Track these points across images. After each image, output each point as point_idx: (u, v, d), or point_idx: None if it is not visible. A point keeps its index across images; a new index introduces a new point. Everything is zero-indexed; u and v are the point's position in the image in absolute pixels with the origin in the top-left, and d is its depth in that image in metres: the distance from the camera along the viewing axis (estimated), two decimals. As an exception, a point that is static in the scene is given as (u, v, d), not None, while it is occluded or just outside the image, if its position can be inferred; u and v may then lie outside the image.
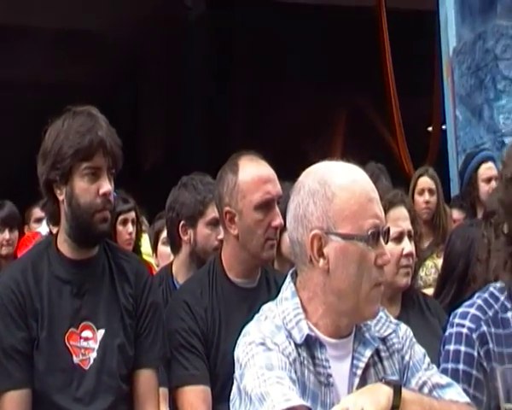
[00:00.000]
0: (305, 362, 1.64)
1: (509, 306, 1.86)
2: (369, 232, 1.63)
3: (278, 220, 2.37)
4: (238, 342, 1.69)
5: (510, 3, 5.76)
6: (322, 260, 1.64)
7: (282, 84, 10.84)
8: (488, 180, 4.53)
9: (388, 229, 1.69)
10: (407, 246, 2.55)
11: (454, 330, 1.85)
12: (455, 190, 5.73)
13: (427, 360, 1.80)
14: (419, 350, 1.79)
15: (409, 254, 2.55)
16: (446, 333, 1.88)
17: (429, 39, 7.07)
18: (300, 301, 1.69)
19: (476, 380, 1.80)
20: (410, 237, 2.58)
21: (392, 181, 4.58)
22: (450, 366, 1.84)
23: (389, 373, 1.70)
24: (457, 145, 6.13)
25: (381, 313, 1.76)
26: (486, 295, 1.89)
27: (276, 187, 2.42)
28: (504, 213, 1.87)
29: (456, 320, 1.87)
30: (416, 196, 4.81)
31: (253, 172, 2.41)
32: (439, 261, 4.03)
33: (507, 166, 1.87)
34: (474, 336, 1.82)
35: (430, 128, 9.76)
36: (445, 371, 1.83)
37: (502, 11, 5.74)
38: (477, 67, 5.88)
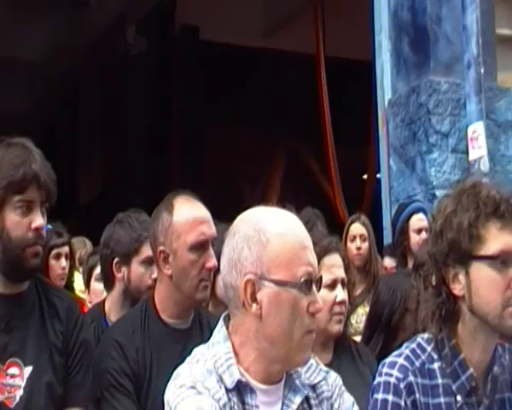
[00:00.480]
0: (236, 407, 1.64)
1: (435, 357, 1.90)
2: (302, 280, 1.64)
3: (212, 262, 2.37)
4: (169, 384, 1.68)
5: (444, 60, 5.95)
6: (255, 306, 1.65)
7: (219, 126, 10.91)
8: (419, 231, 4.63)
9: (321, 277, 1.72)
10: (340, 294, 2.57)
11: (382, 379, 1.88)
12: (387, 238, 5.81)
13: (356, 408, 1.82)
14: (348, 399, 1.81)
15: (342, 302, 2.57)
16: (375, 382, 1.90)
17: (366, 89, 7.22)
18: (232, 345, 1.69)
19: None
20: (343, 284, 2.60)
21: (328, 228, 4.64)
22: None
23: None
24: (391, 195, 6.24)
25: (311, 361, 1.78)
26: (414, 345, 1.93)
27: (210, 228, 2.42)
28: (433, 266, 1.92)
29: (385, 370, 1.89)
30: (349, 243, 4.88)
31: (188, 212, 2.41)
32: (370, 309, 4.08)
33: (436, 220, 1.92)
34: (402, 385, 1.84)
35: (365, 176, 9.94)
36: None
37: (435, 67, 5.91)
38: (411, 120, 6.03)
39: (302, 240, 1.68)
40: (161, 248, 2.41)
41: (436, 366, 1.89)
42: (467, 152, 5.78)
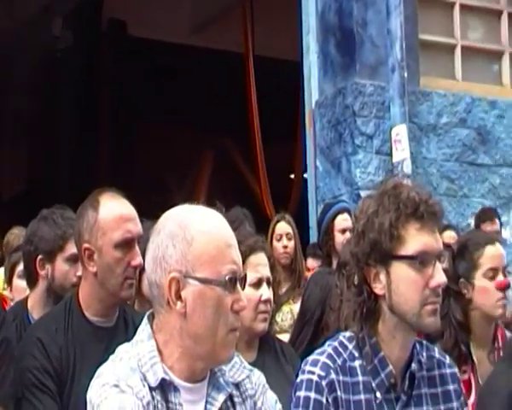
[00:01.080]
0: (159, 406, 1.63)
1: (356, 355, 1.94)
2: (227, 278, 1.65)
3: (138, 260, 2.36)
4: (92, 383, 1.67)
5: (369, 63, 6.05)
6: (179, 304, 1.65)
7: (148, 123, 10.84)
8: (343, 231, 4.69)
9: (245, 275, 1.73)
10: (265, 292, 2.59)
11: (305, 377, 1.90)
12: (313, 237, 5.89)
13: (279, 406, 1.84)
14: (271, 397, 1.82)
15: (267, 301, 2.59)
16: (297, 380, 1.93)
17: (294, 90, 7.29)
18: (156, 343, 1.68)
19: None
20: (268, 283, 2.62)
21: (255, 226, 4.67)
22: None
23: None
24: (317, 195, 6.31)
25: (235, 359, 1.78)
26: (336, 343, 1.96)
27: (136, 226, 2.41)
28: (355, 265, 1.96)
29: (307, 368, 1.92)
30: (275, 242, 4.91)
31: (114, 209, 2.40)
32: (296, 307, 4.12)
33: (359, 220, 1.97)
34: (324, 383, 1.88)
35: (292, 176, 10.04)
36: None
37: (361, 70, 6.02)
38: (337, 121, 6.12)
39: (227, 238, 1.70)
40: (86, 245, 2.39)
41: (357, 363, 1.93)
42: (391, 154, 5.91)
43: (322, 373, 1.89)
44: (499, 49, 6.78)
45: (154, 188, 9.86)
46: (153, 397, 1.63)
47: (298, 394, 1.89)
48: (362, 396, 1.92)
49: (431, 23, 6.47)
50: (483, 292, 2.69)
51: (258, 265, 2.60)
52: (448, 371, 2.03)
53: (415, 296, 1.90)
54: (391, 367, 1.93)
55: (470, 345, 2.72)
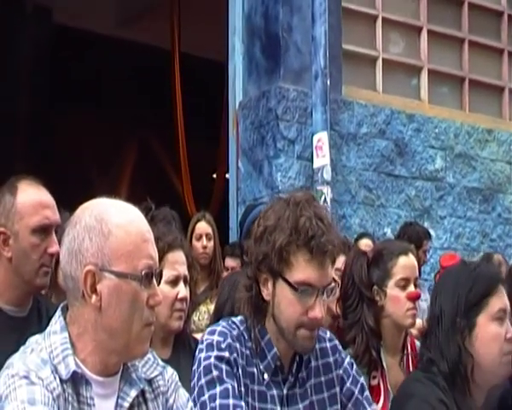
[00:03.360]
0: (70, 399, 1.62)
1: (246, 337, 2.03)
2: (143, 272, 1.66)
3: (55, 247, 2.33)
4: (0, 373, 1.65)
5: (293, 68, 6.11)
6: (94, 297, 1.65)
7: (70, 113, 10.67)
8: None
9: (161, 271, 1.75)
10: (182, 290, 2.60)
11: (203, 344, 2.00)
12: (233, 238, 5.92)
13: (191, 404, 1.84)
14: (183, 394, 1.83)
15: (183, 299, 2.61)
16: (197, 350, 2.00)
17: (220, 90, 7.31)
18: (69, 336, 1.68)
19: (227, 372, 1.95)
20: (185, 281, 2.64)
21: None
22: (202, 365, 1.96)
23: None
24: (238, 196, 6.34)
25: (149, 355, 1.79)
26: (229, 321, 2.07)
27: (55, 214, 2.39)
28: (250, 261, 2.03)
29: (205, 337, 2.01)
30: (194, 241, 4.91)
31: (32, 195, 2.38)
32: (212, 307, 4.15)
33: (259, 225, 2.02)
34: (223, 345, 1.98)
35: (215, 175, 10.06)
36: (199, 376, 1.95)
37: (285, 74, 6.06)
38: (260, 123, 6.16)
39: (144, 233, 1.69)
40: (1, 229, 2.35)
41: (244, 350, 2.01)
42: (312, 160, 5.99)
43: (221, 338, 1.98)
44: (418, 64, 6.96)
45: (75, 180, 9.71)
46: (64, 390, 1.62)
47: (199, 356, 1.97)
48: (254, 370, 2.01)
49: (354, 34, 6.58)
50: (394, 301, 2.77)
51: (176, 263, 2.61)
52: (328, 344, 2.14)
53: (292, 319, 1.98)
54: (275, 349, 2.02)
55: (381, 351, 2.78)
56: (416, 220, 6.27)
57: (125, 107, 10.84)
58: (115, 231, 1.66)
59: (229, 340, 1.99)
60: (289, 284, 1.95)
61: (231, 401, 1.90)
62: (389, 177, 6.49)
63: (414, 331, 3.36)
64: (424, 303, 4.54)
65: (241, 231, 4.98)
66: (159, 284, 1.72)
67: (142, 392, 1.75)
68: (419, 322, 3.80)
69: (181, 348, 2.69)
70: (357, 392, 2.12)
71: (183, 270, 2.63)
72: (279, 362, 2.03)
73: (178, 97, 9.30)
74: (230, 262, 5.06)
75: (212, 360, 1.95)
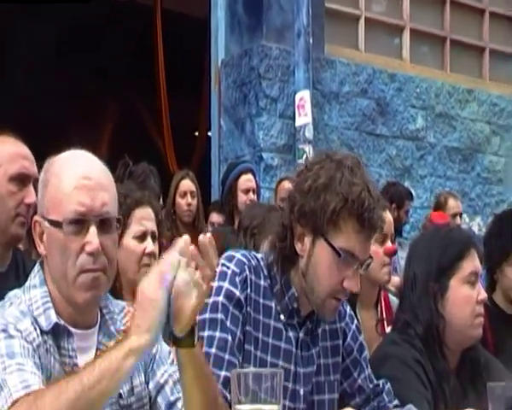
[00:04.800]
0: (51, 350, 1.64)
1: (265, 273, 1.98)
2: (72, 219, 1.64)
3: (32, 198, 2.32)
4: None
5: (275, 27, 6.10)
6: (42, 247, 1.68)
7: (52, 68, 10.59)
8: (246, 191, 4.77)
9: (103, 218, 1.67)
10: (149, 245, 2.62)
11: (219, 268, 1.92)
12: (215, 196, 5.96)
13: (172, 357, 1.85)
14: (165, 347, 1.84)
15: (150, 254, 2.62)
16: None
17: (202, 47, 7.29)
18: (49, 290, 1.69)
19: (233, 315, 1.91)
20: (153, 237, 2.65)
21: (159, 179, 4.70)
22: (211, 299, 1.91)
23: (148, 361, 1.74)
24: (220, 154, 6.36)
25: (128, 308, 1.80)
26: (249, 252, 2.03)
27: (33, 167, 2.39)
28: (289, 209, 1.95)
29: (222, 261, 1.95)
30: (178, 199, 4.93)
31: (11, 146, 2.39)
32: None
33: (307, 177, 1.92)
34: (238, 279, 1.93)
35: (197, 133, 10.07)
36: (204, 307, 1.87)
37: (267, 33, 6.05)
38: (242, 82, 6.15)
39: (78, 180, 1.66)
40: None
41: (263, 283, 1.97)
42: (294, 118, 6.01)
43: (237, 270, 1.93)
44: (400, 23, 6.96)
45: (55, 135, 9.67)
46: (44, 341, 1.63)
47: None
48: (269, 303, 1.95)
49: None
50: (372, 255, 2.83)
51: (143, 218, 2.63)
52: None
53: (326, 283, 1.92)
54: (294, 290, 1.97)
55: (356, 305, 2.85)
56: (397, 179, 6.33)
57: (107, 63, 10.77)
58: (52, 179, 1.68)
59: (246, 272, 1.93)
60: (333, 247, 1.89)
61: (227, 357, 1.87)
62: (370, 136, 6.53)
63: (392, 289, 3.44)
64: (403, 261, 4.62)
65: (223, 189, 5.03)
66: (106, 232, 1.66)
67: None
68: (397, 279, 3.88)
69: None
70: (355, 350, 2.11)
71: (150, 226, 2.65)
72: (296, 304, 1.98)
73: (160, 54, 9.25)
74: (215, 218, 5.10)
75: (221, 298, 1.90)
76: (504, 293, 3.31)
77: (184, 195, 4.90)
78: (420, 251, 2.46)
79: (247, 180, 4.77)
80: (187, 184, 4.94)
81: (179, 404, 1.72)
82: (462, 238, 2.39)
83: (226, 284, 1.92)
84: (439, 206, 5.57)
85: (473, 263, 2.31)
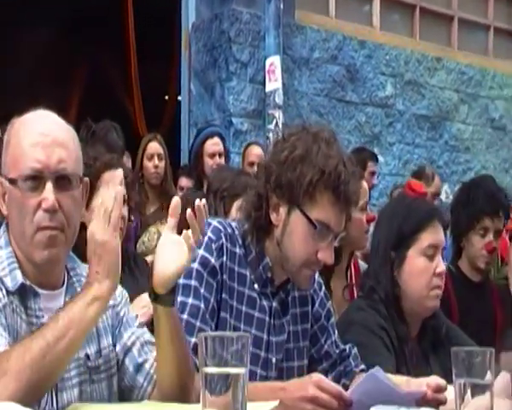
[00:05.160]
0: (18, 310, 1.63)
1: (240, 242, 1.99)
2: (29, 175, 1.63)
3: None
4: None
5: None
6: (4, 207, 1.68)
7: (17, 27, 10.42)
8: (212, 155, 4.78)
9: (60, 175, 1.65)
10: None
11: None
12: (185, 159, 5.96)
13: (137, 321, 1.85)
14: (132, 311, 1.86)
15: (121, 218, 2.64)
16: None
17: (172, 10, 7.22)
18: (14, 250, 1.69)
19: (207, 283, 1.92)
20: (123, 201, 2.68)
21: (127, 144, 4.69)
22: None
23: (100, 325, 1.75)
24: (190, 118, 6.35)
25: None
26: (224, 220, 2.03)
27: None
28: (264, 179, 1.96)
29: None
30: (146, 161, 4.92)
31: None
32: (163, 228, 4.18)
33: (284, 148, 1.92)
34: (214, 246, 1.93)
35: (167, 97, 10.01)
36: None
37: (239, -3, 6.04)
38: (212, 46, 6.12)
39: (34, 137, 1.65)
40: None
41: (238, 251, 1.98)
42: (264, 83, 6.01)
43: (213, 236, 1.94)
44: (370, -10, 6.98)
45: (21, 95, 9.54)
46: (11, 301, 1.62)
47: None
48: (243, 271, 1.97)
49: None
50: (356, 223, 2.80)
51: (112, 181, 2.64)
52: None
53: (301, 253, 1.93)
54: (268, 260, 1.98)
55: (331, 271, 2.87)
56: (366, 146, 6.37)
57: (77, 25, 10.63)
58: (11, 139, 1.68)
59: (222, 240, 1.94)
60: (309, 219, 1.90)
61: (198, 324, 1.88)
62: (340, 102, 6.55)
63: (358, 254, 3.49)
64: (370, 228, 4.68)
65: (190, 154, 5.04)
66: (60, 189, 1.64)
67: None
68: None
69: (126, 268, 2.71)
70: (323, 317, 2.13)
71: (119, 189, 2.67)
72: (270, 274, 2.00)
73: (130, 17, 9.15)
74: (185, 182, 5.12)
75: (196, 265, 1.90)
76: (470, 261, 3.38)
77: (151, 157, 4.89)
78: (384, 218, 2.50)
79: (212, 144, 4.78)
80: (154, 147, 4.93)
81: (147, 365, 1.74)
82: (424, 210, 2.41)
83: (202, 252, 1.92)
84: (422, 177, 5.58)
85: (433, 236, 2.33)
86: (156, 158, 4.88)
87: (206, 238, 1.93)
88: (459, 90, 7.27)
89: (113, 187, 1.53)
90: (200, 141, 4.84)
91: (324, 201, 1.90)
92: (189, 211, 1.55)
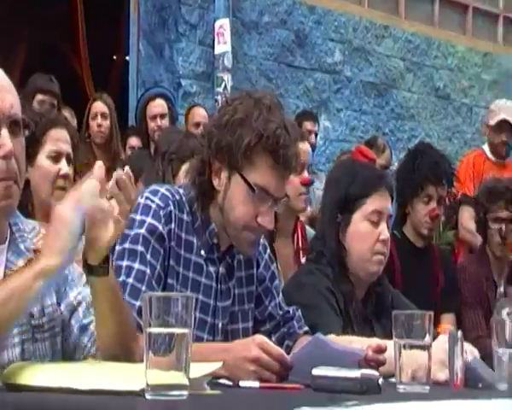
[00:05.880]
0: None
1: (187, 209, 1.99)
2: None
3: None
4: None
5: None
6: None
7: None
8: (153, 117, 4.78)
9: (13, 120, 1.62)
10: (64, 167, 2.63)
11: (143, 201, 1.94)
12: (133, 120, 5.92)
13: (84, 277, 1.83)
14: (77, 267, 1.79)
15: (65, 176, 2.62)
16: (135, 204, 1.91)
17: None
18: None
19: (153, 249, 1.92)
20: (68, 160, 2.65)
21: (76, 106, 4.66)
22: (133, 231, 1.92)
23: (60, 282, 1.74)
24: (138, 78, 6.30)
25: (38, 228, 1.78)
26: (172, 187, 2.04)
27: None
28: (208, 143, 1.96)
29: (147, 194, 1.96)
30: (90, 121, 4.91)
31: None
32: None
33: (225, 112, 1.94)
34: (162, 213, 1.94)
35: (115, 57, 9.86)
36: (125, 238, 1.89)
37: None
38: (161, 6, 6.06)
39: None
40: None
41: (185, 218, 1.99)
42: (213, 46, 5.98)
43: (162, 203, 1.93)
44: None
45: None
46: None
47: (132, 216, 1.89)
48: (191, 238, 1.97)
49: None
50: (287, 184, 2.87)
51: (59, 140, 2.64)
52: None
53: (241, 218, 1.94)
54: (213, 226, 1.99)
55: (273, 234, 2.92)
56: (314, 112, 6.40)
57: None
58: None
59: (170, 207, 1.94)
60: (248, 183, 1.90)
61: (143, 288, 1.87)
62: (289, 67, 6.56)
63: (302, 219, 3.53)
64: (319, 192, 4.74)
65: (136, 115, 5.03)
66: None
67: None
68: (308, 210, 3.98)
69: None
70: (267, 279, 2.14)
71: (65, 147, 2.66)
72: (216, 240, 2.00)
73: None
74: (134, 142, 5.12)
75: (143, 231, 1.90)
76: (414, 227, 3.45)
77: (95, 116, 4.90)
78: (332, 181, 2.54)
79: (154, 106, 4.80)
80: (98, 106, 4.94)
81: (92, 327, 1.74)
82: (372, 175, 2.44)
83: (149, 219, 1.92)
84: (374, 147, 5.62)
85: (378, 202, 2.36)
86: (99, 117, 4.89)
87: (153, 205, 1.94)
88: (405, 58, 7.34)
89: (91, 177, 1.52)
90: (143, 103, 4.86)
91: (263, 164, 1.91)
92: (110, 183, 1.53)
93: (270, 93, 2.05)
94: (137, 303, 1.85)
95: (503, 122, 4.70)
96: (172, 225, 1.95)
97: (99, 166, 1.54)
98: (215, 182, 1.96)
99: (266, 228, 1.97)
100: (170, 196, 1.97)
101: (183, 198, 2.00)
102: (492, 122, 4.71)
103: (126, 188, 1.54)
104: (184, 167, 2.85)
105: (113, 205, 1.54)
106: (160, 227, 1.93)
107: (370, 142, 5.78)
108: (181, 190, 2.03)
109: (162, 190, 1.99)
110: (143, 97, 4.94)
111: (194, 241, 1.99)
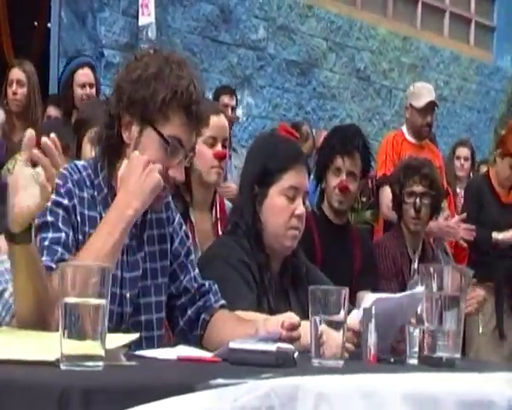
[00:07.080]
0: None
1: (88, 183, 1.98)
2: None
3: None
4: None
5: None
6: None
7: None
8: (82, 86, 4.71)
9: None
10: None
11: None
12: (54, 89, 5.81)
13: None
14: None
15: None
16: None
17: None
18: None
19: (63, 219, 1.90)
20: None
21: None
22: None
23: None
24: (59, 46, 6.18)
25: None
26: (68, 166, 1.99)
27: None
28: (116, 96, 1.97)
29: None
30: (7, 88, 4.82)
31: None
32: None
33: (135, 68, 1.94)
34: (63, 190, 1.92)
35: (36, 23, 9.58)
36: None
37: None
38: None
39: None
40: None
41: (86, 195, 1.97)
42: (137, 17, 5.91)
43: (60, 182, 1.90)
44: None
45: None
46: None
47: None
48: (97, 216, 1.96)
49: None
50: (200, 157, 2.85)
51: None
52: None
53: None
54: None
55: (189, 206, 2.93)
56: (237, 88, 6.40)
57: None
58: None
59: (69, 185, 1.93)
60: (161, 135, 1.92)
61: (60, 249, 1.87)
62: (213, 42, 6.54)
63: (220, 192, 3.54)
64: (236, 171, 4.75)
65: (58, 83, 4.93)
66: None
67: None
68: (233, 187, 3.99)
69: None
70: (183, 254, 2.14)
71: None
72: None
73: None
74: (53, 111, 5.04)
75: (50, 204, 1.86)
76: (329, 203, 3.51)
77: (12, 83, 4.80)
78: (252, 153, 2.56)
79: (83, 74, 4.73)
80: (15, 73, 4.86)
81: (6, 294, 1.73)
82: (290, 151, 2.46)
83: (53, 196, 1.88)
84: (298, 131, 5.60)
85: (295, 178, 2.39)
86: (15, 84, 4.80)
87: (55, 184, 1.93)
88: (328, 38, 7.40)
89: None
90: (71, 70, 4.77)
91: (176, 119, 1.93)
92: (34, 150, 1.52)
93: (178, 54, 2.05)
94: (53, 265, 1.82)
95: (431, 103, 4.78)
96: (75, 201, 1.94)
97: (28, 137, 1.53)
98: (125, 135, 1.95)
99: (177, 181, 1.98)
100: (68, 174, 1.95)
101: (84, 173, 1.99)
102: (419, 104, 4.76)
103: (52, 154, 1.53)
104: (88, 135, 2.82)
105: (38, 172, 1.53)
106: (65, 201, 1.92)
107: (294, 127, 5.81)
108: (80, 165, 2.01)
109: (61, 169, 1.92)
110: (70, 65, 4.84)
111: (97, 216, 1.97)
